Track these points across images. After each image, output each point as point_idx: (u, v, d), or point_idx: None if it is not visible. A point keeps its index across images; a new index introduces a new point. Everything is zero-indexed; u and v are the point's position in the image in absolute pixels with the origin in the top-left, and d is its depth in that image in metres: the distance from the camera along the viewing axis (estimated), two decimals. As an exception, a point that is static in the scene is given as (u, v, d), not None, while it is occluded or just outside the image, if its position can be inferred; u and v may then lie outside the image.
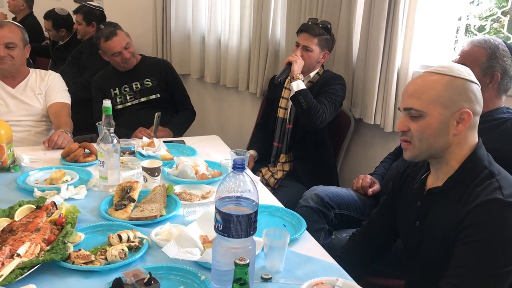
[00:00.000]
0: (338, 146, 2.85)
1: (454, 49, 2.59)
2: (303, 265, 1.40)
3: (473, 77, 1.35)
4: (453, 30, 2.59)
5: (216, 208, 1.18)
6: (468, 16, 2.66)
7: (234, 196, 1.17)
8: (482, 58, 1.76)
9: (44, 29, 4.45)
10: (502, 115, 1.77)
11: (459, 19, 2.59)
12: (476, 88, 1.34)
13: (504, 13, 2.71)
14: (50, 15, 4.29)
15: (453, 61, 1.89)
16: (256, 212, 1.18)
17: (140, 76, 3.00)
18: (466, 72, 1.35)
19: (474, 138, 1.37)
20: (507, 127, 1.71)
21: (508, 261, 1.23)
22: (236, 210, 1.16)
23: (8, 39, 2.43)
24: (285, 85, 2.69)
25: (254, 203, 1.18)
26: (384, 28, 2.51)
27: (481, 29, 3.15)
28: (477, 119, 1.36)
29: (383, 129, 2.68)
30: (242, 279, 0.96)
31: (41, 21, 4.52)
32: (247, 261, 0.96)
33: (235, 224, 1.15)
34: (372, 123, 2.70)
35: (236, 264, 0.96)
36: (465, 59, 1.78)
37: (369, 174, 2.23)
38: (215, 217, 1.18)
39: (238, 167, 1.17)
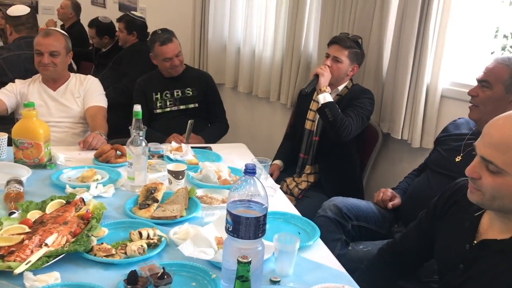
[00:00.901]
0: (365, 159, 2.86)
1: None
2: (312, 271, 1.44)
3: None
4: (488, 47, 2.57)
5: (227, 210, 1.24)
6: (509, 34, 2.63)
7: (245, 199, 1.23)
8: (505, 75, 1.76)
9: (88, 36, 4.66)
10: None
11: (495, 37, 2.57)
12: None
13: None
14: (94, 23, 4.51)
15: (476, 79, 1.90)
16: (265, 216, 1.24)
17: (182, 85, 3.12)
18: None
19: None
20: None
21: None
22: (246, 213, 1.22)
23: (52, 48, 2.59)
24: (313, 98, 2.73)
25: (264, 206, 1.23)
26: (414, 44, 2.53)
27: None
28: None
29: (410, 145, 2.68)
30: (244, 276, 1.02)
31: (87, 28, 4.74)
32: (249, 259, 1.01)
33: (244, 225, 1.21)
34: (400, 138, 2.70)
35: (238, 262, 1.02)
36: (488, 76, 1.79)
37: (391, 188, 2.24)
38: (226, 219, 1.24)
39: (249, 171, 1.23)
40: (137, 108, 1.91)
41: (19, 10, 3.27)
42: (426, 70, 2.52)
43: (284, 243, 1.41)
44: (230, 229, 1.23)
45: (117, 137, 3.32)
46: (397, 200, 2.14)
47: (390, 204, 2.11)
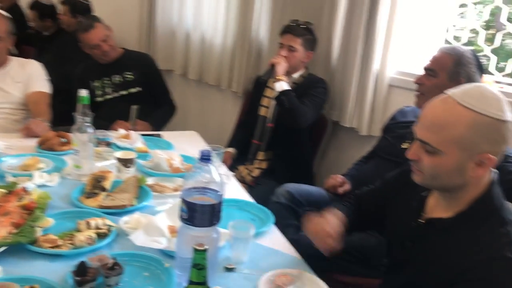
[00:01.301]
0: (315, 147, 2.90)
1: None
2: (267, 257, 1.44)
3: (504, 114, 1.15)
4: (434, 38, 2.65)
5: (182, 198, 1.21)
6: (452, 27, 2.73)
7: (200, 186, 1.21)
8: (449, 64, 1.83)
9: (29, 19, 4.39)
10: None
11: (443, 29, 2.66)
12: (506, 126, 1.16)
13: (486, 28, 2.78)
14: (35, 5, 4.26)
15: (424, 67, 1.96)
16: (220, 203, 1.22)
17: (121, 69, 3.01)
18: (496, 107, 1.15)
19: (490, 174, 1.23)
20: None
21: None
22: (201, 200, 1.20)
23: None
24: (269, 84, 2.73)
25: (219, 193, 1.21)
26: (363, 33, 2.59)
27: (467, 42, 3.22)
28: (500, 157, 1.20)
29: (358, 132, 2.74)
30: (200, 264, 1.00)
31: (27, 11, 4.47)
32: (206, 247, 0.99)
33: (199, 213, 1.19)
34: (348, 126, 2.76)
35: (195, 250, 0.99)
36: (434, 65, 1.85)
37: (341, 175, 2.28)
38: (181, 206, 1.21)
39: (204, 158, 1.20)
40: (83, 93, 1.83)
41: None
42: (375, 59, 2.57)
43: (239, 230, 1.40)
44: (185, 217, 1.21)
45: (61, 125, 3.18)
46: (347, 186, 2.18)
47: (340, 190, 2.15)
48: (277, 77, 2.53)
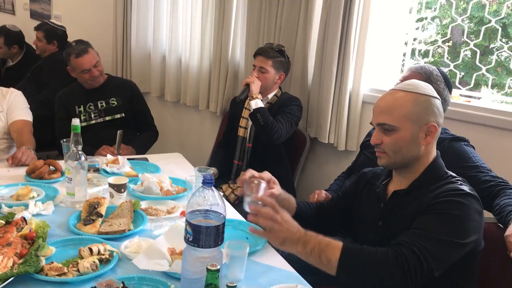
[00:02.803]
0: (295, 163, 3.00)
1: (402, 71, 2.82)
2: (264, 274, 1.51)
3: (435, 93, 1.50)
4: (400, 55, 2.82)
5: (186, 221, 1.28)
6: (414, 40, 2.91)
7: (203, 209, 1.28)
8: None
9: None
10: (440, 136, 1.97)
11: (406, 44, 2.83)
12: (439, 102, 1.50)
13: (444, 42, 2.97)
14: (2, 31, 4.21)
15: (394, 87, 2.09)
16: (223, 224, 1.29)
17: (106, 95, 3.05)
18: (429, 89, 1.50)
19: (435, 149, 1.54)
20: (444, 147, 1.90)
21: (463, 235, 1.35)
22: (205, 222, 1.27)
23: None
24: (245, 106, 2.83)
25: (222, 215, 1.29)
26: (337, 54, 2.71)
27: (426, 54, 3.43)
28: (440, 130, 1.51)
29: (336, 148, 2.86)
30: (213, 284, 1.07)
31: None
32: (218, 267, 1.07)
33: (204, 235, 1.25)
34: (327, 142, 2.88)
35: (208, 270, 1.06)
36: None
37: (324, 190, 2.38)
38: (186, 229, 1.28)
39: (207, 182, 1.27)
40: (75, 122, 1.87)
41: None
42: (349, 78, 2.71)
43: (235, 249, 1.47)
44: (190, 239, 1.27)
45: (39, 151, 3.18)
46: (331, 201, 2.28)
47: (324, 205, 2.25)
48: (252, 95, 2.63)
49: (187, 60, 3.66)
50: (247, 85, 2.67)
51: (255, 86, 2.66)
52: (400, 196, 1.54)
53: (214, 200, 1.28)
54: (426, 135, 1.48)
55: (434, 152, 1.54)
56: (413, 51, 2.94)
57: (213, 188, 1.29)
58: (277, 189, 1.69)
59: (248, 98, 2.69)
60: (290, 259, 1.86)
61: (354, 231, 1.77)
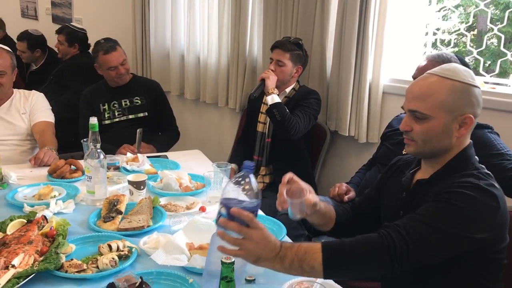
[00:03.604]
0: (315, 157, 2.97)
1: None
2: (284, 268, 1.49)
3: (475, 81, 1.37)
4: (421, 44, 2.76)
5: (222, 203, 1.26)
6: (436, 30, 2.84)
7: (235, 198, 1.25)
8: None
9: (18, 51, 4.35)
10: None
11: (426, 34, 2.77)
12: (478, 92, 1.37)
13: (469, 30, 2.90)
14: (24, 36, 4.29)
15: (412, 76, 2.04)
16: (257, 211, 1.28)
17: (130, 94, 3.08)
18: (469, 76, 1.37)
19: (468, 138, 1.43)
20: None
21: (465, 228, 1.25)
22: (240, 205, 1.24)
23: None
24: (263, 101, 2.81)
25: (256, 203, 1.27)
26: (355, 44, 2.66)
27: (450, 43, 3.35)
28: (476, 120, 1.40)
29: (357, 140, 2.82)
30: (228, 276, 1.06)
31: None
32: (233, 260, 1.05)
33: (238, 220, 1.22)
34: (347, 134, 2.83)
35: (222, 263, 1.05)
36: (422, 73, 1.92)
37: (345, 183, 2.35)
38: (219, 212, 1.25)
39: (248, 168, 1.27)
40: (93, 120, 1.89)
41: None
42: (368, 69, 2.66)
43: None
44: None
45: (63, 152, 3.24)
46: (352, 193, 2.25)
47: (346, 197, 2.22)
48: (268, 91, 2.60)
49: (205, 58, 3.67)
50: (262, 81, 2.65)
51: (271, 81, 2.63)
52: (422, 185, 1.45)
53: (250, 187, 1.26)
54: (460, 127, 1.36)
55: (466, 142, 1.42)
56: (436, 41, 2.87)
57: (251, 175, 1.27)
58: (313, 197, 1.52)
59: (265, 93, 2.67)
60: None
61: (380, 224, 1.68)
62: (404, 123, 1.42)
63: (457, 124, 1.36)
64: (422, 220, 1.27)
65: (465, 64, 1.96)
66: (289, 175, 1.51)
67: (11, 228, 1.60)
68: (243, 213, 1.22)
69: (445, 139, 1.38)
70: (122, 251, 1.51)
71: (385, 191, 1.63)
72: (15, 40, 4.40)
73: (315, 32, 2.89)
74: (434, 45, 2.86)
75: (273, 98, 2.58)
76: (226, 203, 1.24)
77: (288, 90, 2.78)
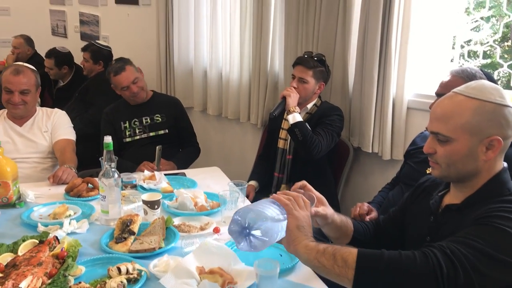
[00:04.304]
0: (338, 174, 2.89)
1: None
2: (298, 293, 1.43)
3: (505, 100, 1.28)
4: (449, 57, 2.66)
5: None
6: (464, 43, 2.73)
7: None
8: None
9: (46, 68, 4.48)
10: None
11: (453, 47, 2.67)
12: (508, 111, 1.27)
13: (502, 41, 2.78)
14: (52, 53, 4.40)
15: (435, 93, 1.96)
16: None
17: (151, 111, 3.09)
18: (498, 95, 1.27)
19: (501, 162, 1.34)
20: None
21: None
22: None
23: (24, 86, 2.54)
24: (284, 117, 2.76)
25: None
26: (377, 59, 2.60)
27: (479, 55, 3.22)
28: (508, 142, 1.30)
29: (381, 157, 2.73)
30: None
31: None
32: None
33: None
34: (370, 151, 2.75)
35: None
36: (445, 89, 1.84)
37: (367, 203, 2.27)
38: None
39: None
40: (108, 139, 1.88)
41: None
42: (391, 84, 2.58)
43: (265, 268, 1.40)
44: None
45: (86, 169, 3.27)
46: (374, 214, 2.16)
47: (367, 218, 2.13)
48: (289, 109, 2.54)
49: (228, 74, 3.65)
50: (283, 99, 2.60)
51: (292, 100, 2.58)
52: (452, 211, 1.36)
53: None
54: (487, 149, 1.28)
55: (498, 166, 1.33)
56: (468, 53, 2.76)
57: None
58: (323, 209, 1.51)
59: (286, 111, 2.62)
60: (326, 279, 1.76)
61: (405, 247, 1.61)
62: (427, 145, 1.36)
63: (483, 147, 1.28)
64: (467, 242, 1.17)
65: (492, 80, 1.86)
66: (302, 182, 1.50)
67: (23, 249, 1.59)
68: (303, 197, 1.36)
69: (470, 163, 1.30)
70: (132, 274, 1.47)
71: (411, 212, 1.55)
72: (44, 57, 4.50)
73: (336, 46, 2.84)
74: (462, 57, 2.76)
75: (294, 117, 2.52)
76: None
77: (309, 106, 2.73)
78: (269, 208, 1.29)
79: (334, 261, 1.20)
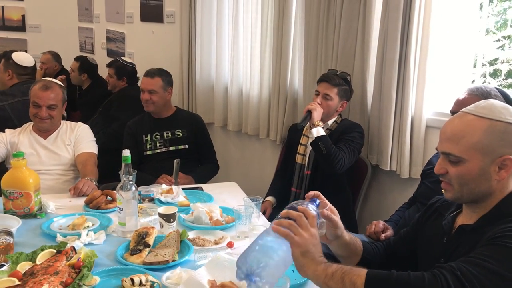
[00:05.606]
0: (356, 192, 2.88)
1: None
2: (308, 310, 1.43)
3: None
4: (469, 75, 2.64)
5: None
6: (495, 61, 2.70)
7: None
8: None
9: (69, 69, 4.74)
10: None
11: (474, 65, 2.65)
12: None
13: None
14: (80, 58, 4.66)
15: (450, 111, 1.94)
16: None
17: (172, 126, 3.15)
18: (507, 114, 1.27)
19: None
20: None
21: None
22: None
23: (51, 101, 2.64)
24: (303, 132, 2.77)
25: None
26: (396, 77, 2.60)
27: (509, 74, 3.18)
28: None
29: (399, 175, 2.71)
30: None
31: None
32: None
33: None
34: (388, 169, 2.73)
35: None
36: (460, 107, 1.83)
37: (383, 221, 2.25)
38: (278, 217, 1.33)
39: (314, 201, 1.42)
40: (126, 153, 1.93)
41: (26, 60, 3.38)
42: (410, 102, 2.58)
43: (275, 284, 1.41)
44: None
45: (108, 181, 3.33)
46: (390, 232, 2.15)
47: (382, 236, 2.12)
48: (314, 123, 2.56)
49: (248, 90, 3.70)
50: (309, 112, 2.62)
51: (317, 114, 2.60)
52: (466, 232, 1.35)
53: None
54: (500, 169, 1.27)
55: (511, 185, 1.31)
56: (494, 71, 2.73)
57: (310, 204, 1.37)
58: (335, 218, 1.49)
59: (309, 125, 2.63)
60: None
61: (418, 269, 1.56)
62: (438, 165, 1.35)
63: (495, 167, 1.27)
64: (478, 263, 1.16)
65: (507, 98, 1.85)
66: (314, 192, 1.50)
67: (41, 258, 1.64)
68: (307, 211, 1.30)
69: (483, 183, 1.29)
70: (145, 285, 1.50)
71: (423, 233, 1.53)
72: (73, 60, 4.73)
73: (355, 65, 2.85)
74: (483, 76, 2.73)
75: (318, 131, 2.54)
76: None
77: (330, 122, 2.74)
78: (268, 247, 1.25)
79: (342, 285, 1.20)
